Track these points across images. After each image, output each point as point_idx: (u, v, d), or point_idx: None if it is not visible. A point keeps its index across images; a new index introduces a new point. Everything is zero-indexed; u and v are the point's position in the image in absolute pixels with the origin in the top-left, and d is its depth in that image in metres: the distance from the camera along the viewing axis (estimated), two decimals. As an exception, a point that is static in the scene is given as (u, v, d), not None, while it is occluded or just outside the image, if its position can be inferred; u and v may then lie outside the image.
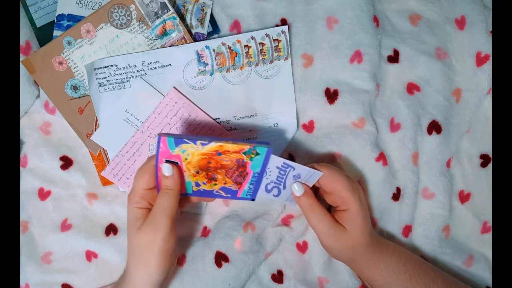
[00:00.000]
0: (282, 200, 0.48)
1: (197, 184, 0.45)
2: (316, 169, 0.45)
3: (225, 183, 0.44)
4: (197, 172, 0.43)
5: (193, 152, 0.41)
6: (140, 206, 0.43)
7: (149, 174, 0.43)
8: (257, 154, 0.42)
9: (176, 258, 0.48)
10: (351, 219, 0.46)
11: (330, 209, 0.49)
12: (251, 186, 0.45)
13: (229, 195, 0.46)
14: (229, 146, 0.40)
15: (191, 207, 0.54)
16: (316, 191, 0.48)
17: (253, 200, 0.47)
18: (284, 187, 0.46)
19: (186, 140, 0.40)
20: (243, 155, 0.42)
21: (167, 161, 0.42)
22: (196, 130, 0.51)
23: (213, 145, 0.40)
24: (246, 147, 0.41)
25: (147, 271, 0.43)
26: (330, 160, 0.53)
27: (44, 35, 0.51)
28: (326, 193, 0.47)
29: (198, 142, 0.40)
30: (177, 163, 0.42)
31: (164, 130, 0.51)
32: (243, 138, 0.53)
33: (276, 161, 0.43)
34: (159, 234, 0.42)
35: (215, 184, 0.45)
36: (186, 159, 0.42)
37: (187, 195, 0.46)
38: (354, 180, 0.49)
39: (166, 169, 0.42)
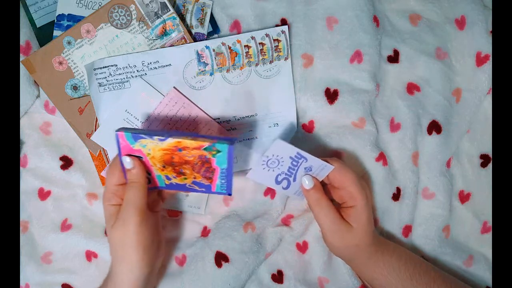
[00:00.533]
0: (290, 193, 0.48)
1: (168, 178, 0.44)
2: (328, 163, 0.45)
3: (195, 178, 0.44)
4: (164, 167, 0.43)
5: (153, 147, 0.41)
6: (113, 203, 0.43)
7: (119, 170, 0.43)
8: (218, 151, 0.41)
9: (161, 251, 0.47)
10: (357, 216, 0.46)
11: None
12: (223, 181, 0.44)
13: (203, 189, 0.46)
14: (188, 142, 0.40)
15: (190, 207, 0.54)
16: (323, 187, 0.49)
17: (229, 195, 0.46)
18: (294, 180, 0.46)
19: (143, 135, 0.40)
20: (204, 151, 0.41)
21: (130, 156, 0.42)
22: (196, 130, 0.51)
23: (171, 141, 0.40)
24: (206, 144, 0.40)
25: (127, 267, 0.43)
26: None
27: (44, 35, 0.51)
28: (334, 188, 0.48)
29: (156, 137, 0.40)
30: (141, 157, 0.42)
31: (165, 130, 0.51)
32: (244, 139, 0.53)
33: (289, 150, 0.43)
34: (129, 228, 0.41)
35: (186, 179, 0.44)
36: (149, 153, 0.42)
37: (160, 188, 0.46)
38: (362, 178, 0.49)
39: (127, 163, 0.42)
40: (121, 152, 0.42)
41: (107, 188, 0.44)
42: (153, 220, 0.45)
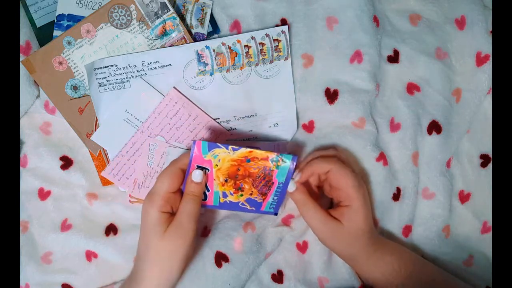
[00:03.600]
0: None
1: (225, 195, 0.46)
2: (324, 164, 0.46)
3: (251, 194, 0.46)
4: (226, 181, 0.44)
5: (224, 157, 0.42)
6: (164, 210, 0.42)
7: (175, 177, 0.42)
8: (283, 161, 0.43)
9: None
10: (351, 215, 0.46)
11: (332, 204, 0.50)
12: (275, 198, 0.47)
13: (253, 208, 0.47)
14: (258, 153, 0.42)
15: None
16: (319, 188, 0.49)
17: (275, 214, 0.49)
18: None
19: (219, 144, 0.42)
20: (270, 162, 0.43)
21: (198, 167, 0.42)
22: (196, 130, 0.51)
23: (243, 151, 0.42)
24: (273, 155, 0.43)
25: (168, 277, 0.43)
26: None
27: (44, 35, 0.51)
28: (332, 188, 0.48)
29: (230, 147, 0.42)
30: (207, 169, 0.43)
31: (164, 130, 0.51)
32: (244, 138, 0.53)
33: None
34: (187, 241, 0.42)
35: (241, 195, 0.46)
36: (216, 165, 0.43)
37: (211, 207, 0.47)
38: (360, 177, 0.49)
39: (197, 176, 0.42)
40: (192, 162, 0.42)
41: (159, 194, 0.42)
42: None
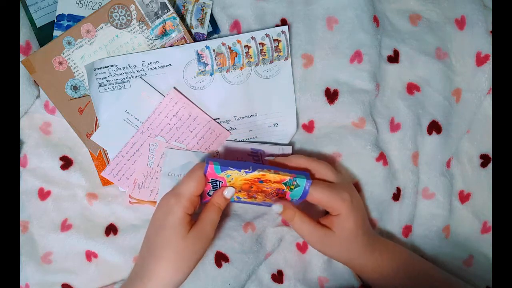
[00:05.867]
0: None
1: (238, 198, 0.47)
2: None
3: (265, 200, 0.47)
4: (239, 191, 0.45)
5: (236, 177, 0.43)
6: (189, 212, 0.43)
7: (201, 181, 0.43)
8: (297, 185, 0.43)
9: None
10: (341, 223, 0.46)
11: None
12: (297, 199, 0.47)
13: (268, 205, 0.48)
14: (271, 176, 0.42)
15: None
16: None
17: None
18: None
19: (230, 167, 0.42)
20: (283, 185, 0.43)
21: (212, 180, 0.44)
22: (196, 130, 0.51)
23: (255, 174, 0.42)
24: (287, 178, 0.43)
25: (180, 278, 0.43)
26: (330, 161, 0.53)
27: (44, 35, 0.51)
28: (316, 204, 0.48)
29: (243, 170, 0.42)
30: (221, 181, 0.44)
31: (164, 130, 0.51)
32: (244, 138, 0.53)
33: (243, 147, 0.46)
34: (206, 245, 0.44)
35: (255, 200, 0.47)
36: (230, 181, 0.44)
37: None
38: (344, 181, 0.48)
39: (229, 193, 0.44)
40: (206, 175, 0.43)
41: (187, 196, 0.43)
42: None
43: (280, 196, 0.46)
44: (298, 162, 0.47)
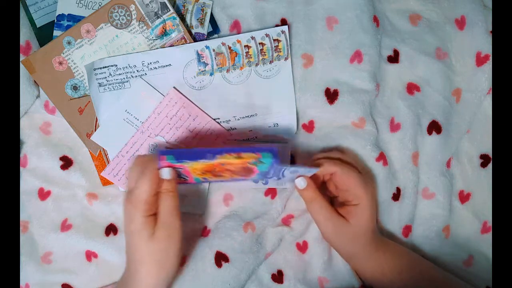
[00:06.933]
0: (283, 184, 0.50)
1: (205, 179, 0.45)
2: (329, 167, 0.46)
3: (232, 177, 0.45)
4: (203, 173, 0.44)
5: (195, 165, 0.41)
6: (150, 213, 0.42)
7: (152, 182, 0.42)
8: (262, 163, 0.42)
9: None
10: (359, 214, 0.46)
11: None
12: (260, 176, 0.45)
13: (242, 178, 0.46)
14: (232, 161, 0.41)
15: (190, 207, 0.54)
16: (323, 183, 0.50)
17: (266, 183, 0.48)
18: (284, 176, 0.47)
19: (186, 160, 0.40)
20: (248, 164, 0.42)
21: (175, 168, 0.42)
22: (196, 130, 0.51)
23: (214, 162, 0.41)
24: (251, 160, 0.41)
25: (163, 276, 0.43)
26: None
27: (44, 35, 0.51)
28: (339, 189, 0.48)
29: (200, 161, 0.41)
30: (181, 169, 0.42)
31: (164, 130, 0.51)
32: (244, 138, 0.53)
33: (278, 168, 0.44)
34: (175, 238, 0.42)
35: (224, 177, 0.45)
36: (190, 167, 0.42)
37: (197, 184, 0.48)
38: (366, 176, 0.49)
39: (165, 173, 0.42)
40: (161, 166, 0.42)
41: (143, 199, 0.42)
42: None
43: (248, 171, 0.43)
44: (326, 169, 0.46)
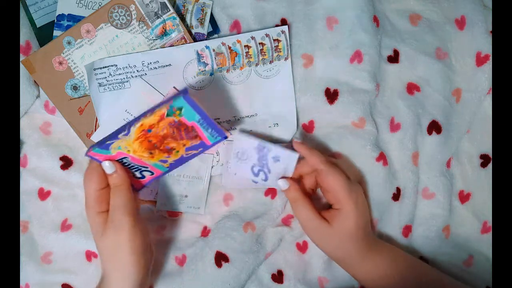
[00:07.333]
0: (273, 185, 0.50)
1: (164, 161, 0.44)
2: (316, 160, 0.46)
3: (185, 145, 0.44)
4: (151, 153, 0.42)
5: (126, 144, 0.40)
6: (98, 210, 0.42)
7: (97, 174, 0.41)
8: (180, 109, 0.40)
9: (153, 254, 0.47)
10: (341, 219, 0.46)
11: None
12: (210, 130, 0.44)
13: (201, 149, 0.46)
14: (151, 120, 0.39)
15: (189, 207, 0.54)
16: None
17: (225, 138, 0.46)
18: (269, 171, 0.48)
19: (109, 141, 0.40)
20: (169, 117, 0.40)
21: (120, 160, 0.42)
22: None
23: (134, 130, 0.40)
24: (164, 110, 0.39)
25: (123, 274, 0.42)
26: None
27: (44, 35, 0.51)
28: (323, 189, 0.48)
29: (120, 135, 0.40)
30: (126, 157, 0.42)
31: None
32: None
33: (251, 143, 0.46)
34: (123, 235, 0.41)
35: (178, 152, 0.44)
36: (129, 151, 0.41)
37: (166, 173, 0.47)
38: (355, 182, 0.49)
39: (107, 167, 0.41)
40: (97, 160, 0.42)
41: (89, 196, 0.42)
42: (143, 222, 0.44)
43: (183, 128, 0.42)
44: (314, 160, 0.46)
